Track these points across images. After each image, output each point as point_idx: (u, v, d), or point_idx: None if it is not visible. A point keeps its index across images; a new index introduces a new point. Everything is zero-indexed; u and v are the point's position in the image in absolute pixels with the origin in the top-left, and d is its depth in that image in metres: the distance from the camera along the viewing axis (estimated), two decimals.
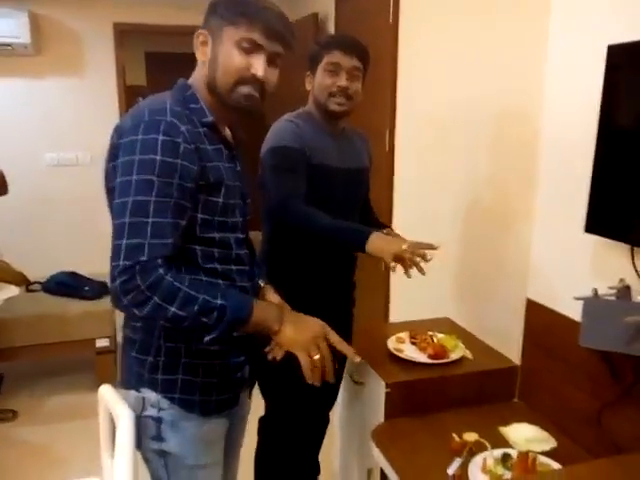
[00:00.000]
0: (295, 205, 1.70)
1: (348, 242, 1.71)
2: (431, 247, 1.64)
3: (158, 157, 1.13)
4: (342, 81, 1.77)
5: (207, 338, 1.15)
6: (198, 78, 1.31)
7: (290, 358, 1.25)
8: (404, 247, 1.58)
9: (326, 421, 2.09)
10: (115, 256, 1.11)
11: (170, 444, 1.29)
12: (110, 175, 1.22)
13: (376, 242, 1.61)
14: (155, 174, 1.12)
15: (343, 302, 2.03)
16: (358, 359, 1.33)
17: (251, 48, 1.23)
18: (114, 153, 1.19)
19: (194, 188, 1.19)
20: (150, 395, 1.28)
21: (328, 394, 2.04)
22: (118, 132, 1.20)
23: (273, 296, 1.48)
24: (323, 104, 1.82)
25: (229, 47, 1.23)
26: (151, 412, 1.28)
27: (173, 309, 1.11)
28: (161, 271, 1.11)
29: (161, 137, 1.14)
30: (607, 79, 1.50)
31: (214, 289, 1.18)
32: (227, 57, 1.24)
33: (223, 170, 1.27)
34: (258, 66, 1.24)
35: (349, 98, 1.80)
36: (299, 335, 1.23)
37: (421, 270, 1.59)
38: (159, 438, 1.29)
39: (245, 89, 1.25)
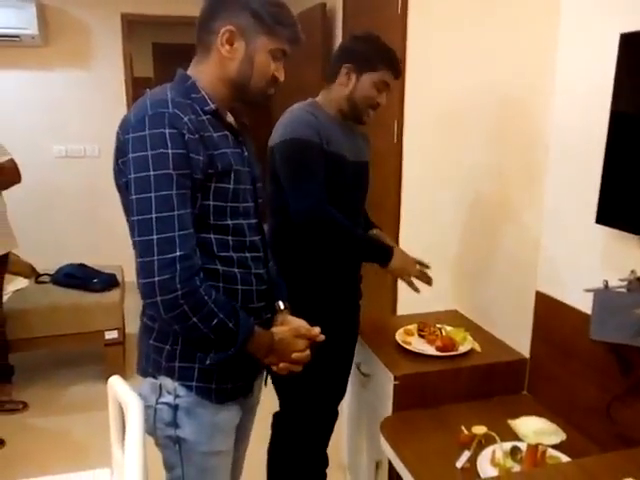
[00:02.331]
0: (326, 213, 1.74)
1: (371, 257, 1.89)
2: (426, 266, 1.98)
3: (169, 151, 1.15)
4: (383, 99, 1.85)
5: (208, 361, 1.25)
6: (208, 72, 1.30)
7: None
8: (418, 268, 1.92)
9: (335, 414, 2.08)
10: (146, 251, 1.14)
11: (185, 431, 1.31)
12: (119, 172, 1.23)
13: (396, 264, 1.85)
14: (171, 168, 1.15)
15: (350, 295, 2.02)
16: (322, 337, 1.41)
17: (280, 57, 1.33)
18: (121, 150, 1.20)
19: (202, 178, 1.21)
20: (167, 382, 1.30)
21: (337, 388, 2.04)
22: (123, 128, 1.21)
23: (288, 320, 1.44)
24: (358, 111, 1.85)
25: (264, 54, 1.29)
26: (167, 399, 1.30)
27: (195, 320, 1.18)
28: (197, 281, 1.17)
29: (168, 130, 1.15)
30: (619, 66, 1.48)
31: (230, 308, 1.23)
32: (264, 65, 1.29)
33: (231, 156, 1.28)
34: (281, 72, 1.34)
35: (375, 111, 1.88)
36: (279, 359, 1.35)
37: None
38: (174, 424, 1.31)
39: (271, 90, 1.35)
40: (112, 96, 4.72)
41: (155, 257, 1.13)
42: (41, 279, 3.61)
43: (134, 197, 1.15)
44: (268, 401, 1.78)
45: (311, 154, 1.73)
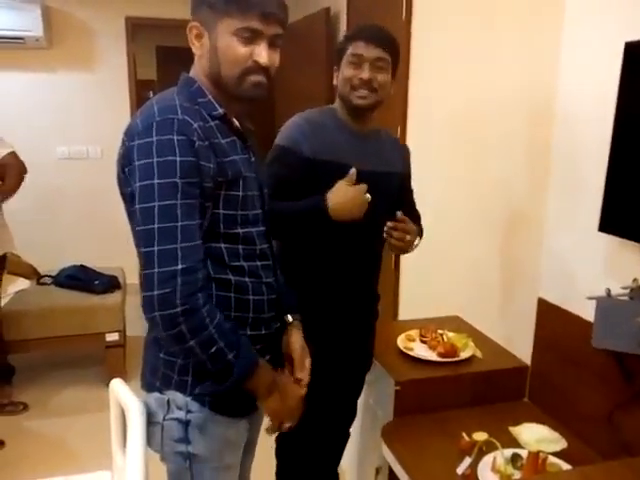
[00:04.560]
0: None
1: (309, 214, 1.61)
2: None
3: (177, 158, 1.10)
4: (364, 73, 1.64)
5: (197, 390, 1.21)
6: (199, 71, 1.26)
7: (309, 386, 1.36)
8: (368, 197, 1.55)
9: (347, 436, 1.95)
10: (148, 263, 1.09)
11: (197, 446, 1.25)
12: (124, 180, 1.18)
13: (335, 202, 1.55)
14: (177, 176, 1.10)
15: (364, 314, 1.85)
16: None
17: (251, 37, 1.18)
18: (126, 157, 1.15)
19: (212, 187, 1.16)
20: (177, 397, 1.24)
21: (349, 410, 1.92)
22: (128, 135, 1.16)
23: (296, 337, 1.41)
24: (347, 98, 1.69)
25: (227, 39, 1.18)
26: (178, 414, 1.24)
27: (191, 343, 1.11)
28: (200, 299, 1.10)
29: (176, 137, 1.11)
30: (623, 75, 1.48)
31: (233, 338, 1.16)
32: (227, 49, 1.19)
33: (240, 163, 1.24)
34: (261, 53, 1.19)
35: (373, 90, 1.66)
36: (280, 406, 1.29)
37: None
38: (185, 440, 1.25)
39: (253, 78, 1.21)
40: (115, 98, 4.73)
41: (155, 269, 1.08)
42: (42, 280, 3.61)
43: (138, 206, 1.11)
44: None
45: (279, 161, 1.66)
